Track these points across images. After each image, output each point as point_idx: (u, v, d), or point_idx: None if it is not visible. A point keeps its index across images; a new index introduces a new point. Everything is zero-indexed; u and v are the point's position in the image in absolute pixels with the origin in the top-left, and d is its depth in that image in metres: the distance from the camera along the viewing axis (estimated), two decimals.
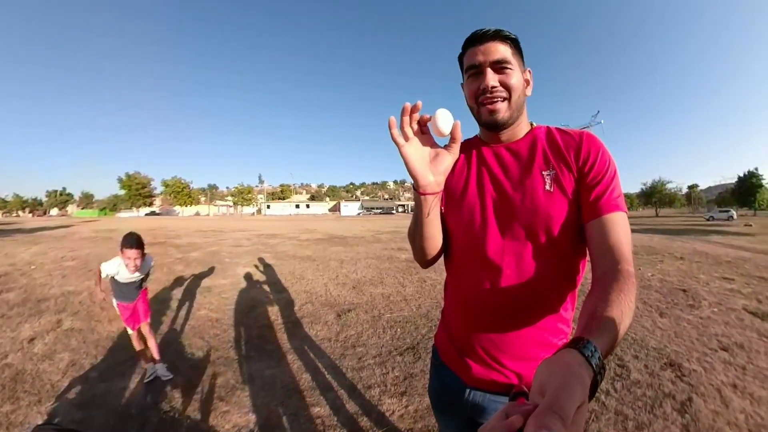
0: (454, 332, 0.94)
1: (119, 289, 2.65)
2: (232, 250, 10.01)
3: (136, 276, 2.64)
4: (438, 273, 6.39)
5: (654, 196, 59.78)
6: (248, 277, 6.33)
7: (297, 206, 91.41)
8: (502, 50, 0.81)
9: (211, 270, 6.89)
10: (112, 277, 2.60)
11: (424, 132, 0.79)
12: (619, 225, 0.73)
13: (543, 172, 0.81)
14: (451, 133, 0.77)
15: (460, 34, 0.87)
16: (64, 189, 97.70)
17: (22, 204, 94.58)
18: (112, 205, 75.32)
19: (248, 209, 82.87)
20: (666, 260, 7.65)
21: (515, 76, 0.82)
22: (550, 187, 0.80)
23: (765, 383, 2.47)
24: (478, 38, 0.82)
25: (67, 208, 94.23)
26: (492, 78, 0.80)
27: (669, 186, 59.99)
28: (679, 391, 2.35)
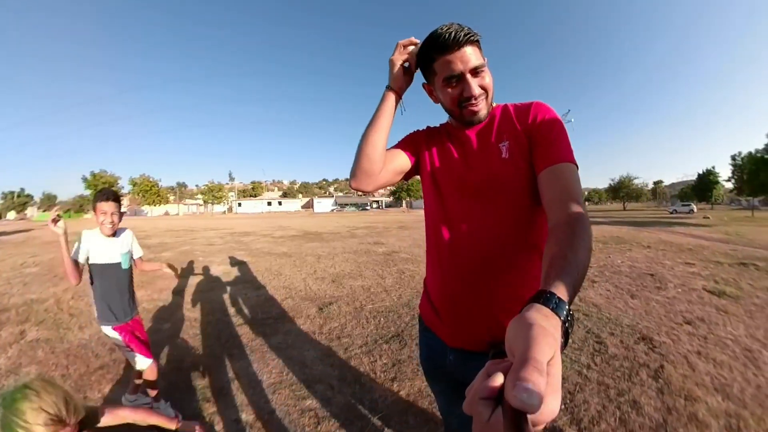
0: (433, 297, 1.00)
1: (101, 285, 2.00)
2: (205, 249, 9.71)
3: (116, 248, 2.02)
4: (416, 264, 6.49)
5: (622, 190, 63.71)
6: (224, 275, 6.13)
7: (269, 203, 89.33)
8: (476, 54, 0.85)
9: (185, 270, 6.60)
10: (90, 269, 1.99)
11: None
12: (568, 173, 0.77)
13: (499, 144, 0.89)
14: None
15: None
16: (23, 190, 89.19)
17: None
18: (78, 206, 70.08)
19: (219, 207, 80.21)
20: (634, 249, 8.30)
21: (488, 76, 0.88)
22: (506, 154, 0.87)
23: (724, 349, 2.74)
24: (451, 44, 0.82)
25: (27, 211, 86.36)
26: (475, 86, 0.85)
27: (636, 181, 64.29)
28: (652, 361, 2.55)
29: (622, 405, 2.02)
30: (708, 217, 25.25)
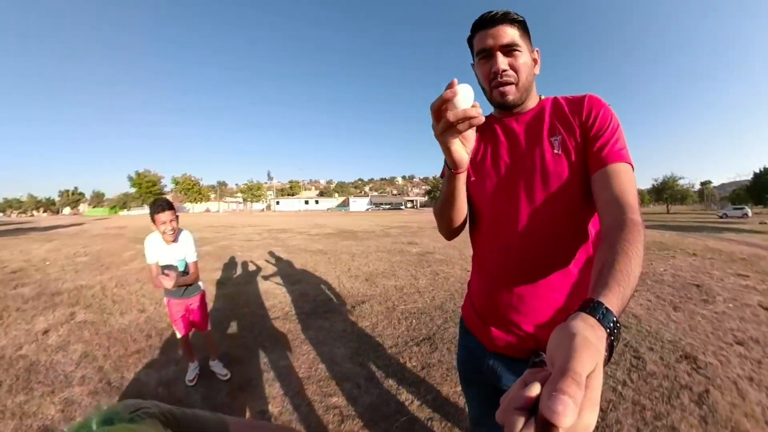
0: (476, 299, 1.00)
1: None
2: (244, 245, 10.18)
3: (174, 254, 2.34)
4: (450, 266, 6.43)
5: (665, 192, 58.17)
6: (261, 269, 6.45)
7: (306, 202, 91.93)
8: (510, 33, 0.84)
9: (223, 263, 7.03)
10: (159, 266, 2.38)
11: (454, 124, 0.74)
12: (623, 174, 0.75)
13: (551, 138, 0.86)
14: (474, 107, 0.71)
15: (470, 20, 0.89)
16: (76, 188, 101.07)
17: (37, 204, 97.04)
18: (123, 203, 76.47)
19: (258, 205, 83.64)
20: (678, 256, 7.60)
21: (523, 58, 0.86)
22: (558, 150, 0.84)
23: None
24: (487, 22, 0.85)
25: (79, 207, 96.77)
26: (502, 62, 0.84)
27: (681, 182, 58.33)
28: (695, 383, 2.36)
29: (659, 430, 1.91)
30: (766, 223, 21.84)
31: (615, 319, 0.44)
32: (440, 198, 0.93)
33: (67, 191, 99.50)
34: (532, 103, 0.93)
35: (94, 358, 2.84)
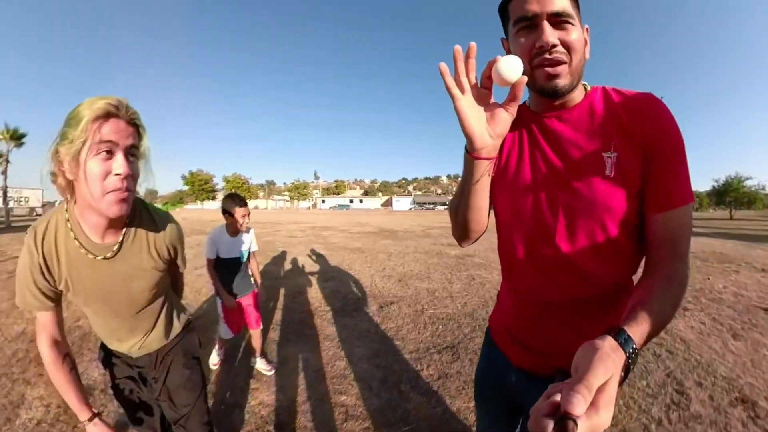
0: (506, 314, 0.93)
1: (224, 272, 2.45)
2: (286, 241, 10.61)
3: (238, 246, 2.45)
4: (488, 271, 6.15)
5: (728, 195, 49.15)
6: (298, 265, 6.63)
7: (350, 201, 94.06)
8: (561, 1, 0.67)
9: (264, 258, 7.33)
10: (216, 261, 2.44)
11: (482, 85, 0.68)
12: (684, 218, 0.67)
13: (604, 154, 0.69)
14: (514, 88, 0.65)
15: None
16: None
17: None
18: (178, 200, 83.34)
19: (304, 203, 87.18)
20: (743, 271, 6.27)
21: (576, 33, 0.68)
22: (611, 171, 0.68)
23: None
24: None
25: None
26: (551, 34, 0.67)
27: (748, 183, 49.18)
28: None
29: None
30: None
31: (634, 347, 0.50)
32: (456, 190, 0.82)
33: None
34: (578, 95, 0.75)
35: None
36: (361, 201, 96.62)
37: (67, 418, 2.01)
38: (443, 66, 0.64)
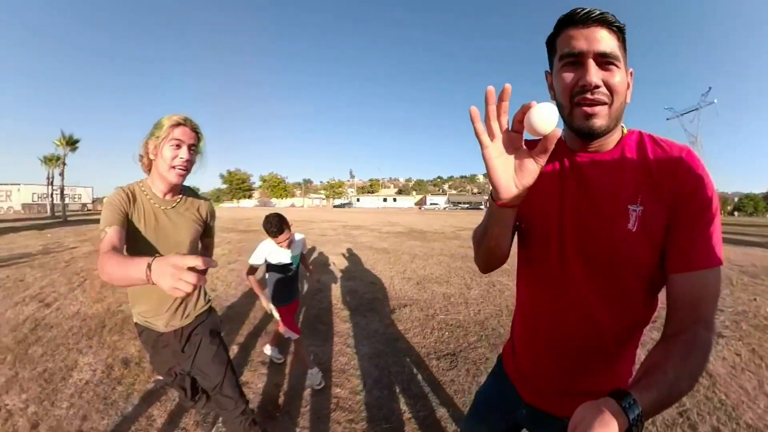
0: (518, 352, 0.93)
1: (275, 279, 2.47)
2: (317, 239, 10.92)
3: (289, 254, 2.45)
4: (511, 278, 6.01)
5: None
6: (324, 263, 6.89)
7: (384, 200, 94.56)
8: (609, 40, 0.67)
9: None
10: (268, 267, 2.48)
11: (513, 128, 0.63)
12: (708, 281, 0.64)
13: (629, 206, 0.69)
14: (545, 140, 0.61)
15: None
16: None
17: None
18: (215, 198, 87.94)
19: (339, 202, 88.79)
20: None
21: (620, 76, 0.68)
22: (633, 225, 0.69)
23: None
24: (580, 19, 0.67)
25: None
26: (596, 74, 0.66)
27: None
28: None
29: None
30: None
31: (639, 413, 0.47)
32: (480, 225, 0.83)
33: None
34: (614, 137, 0.74)
35: None
36: (394, 200, 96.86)
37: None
38: (474, 111, 0.61)
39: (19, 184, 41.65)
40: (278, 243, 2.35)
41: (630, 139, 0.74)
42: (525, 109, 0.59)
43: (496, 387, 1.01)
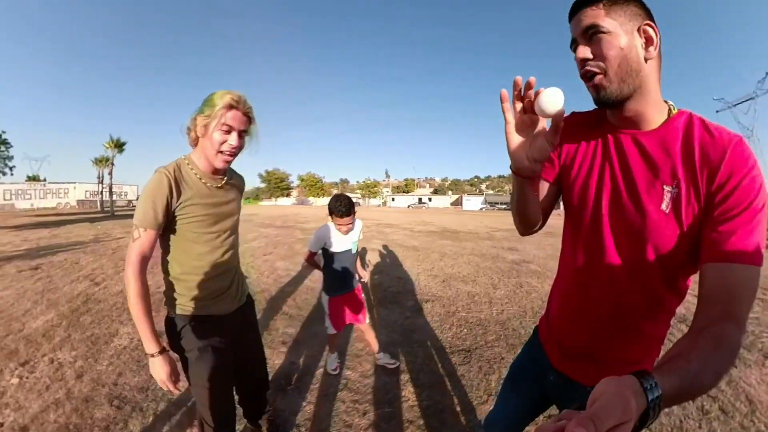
0: (552, 321, 0.98)
1: (333, 266, 2.35)
2: None
3: (348, 239, 2.32)
4: (541, 280, 5.82)
5: None
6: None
7: (420, 200, 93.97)
8: (590, 15, 0.70)
9: None
10: (324, 253, 2.35)
11: (529, 111, 0.70)
12: (744, 280, 0.61)
13: (665, 187, 0.69)
14: (553, 120, 0.66)
15: None
16: None
17: None
18: (255, 196, 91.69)
19: (375, 201, 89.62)
20: None
21: (608, 41, 0.69)
22: (667, 207, 0.69)
23: None
24: (572, 9, 0.74)
25: None
26: (582, 51, 0.72)
27: None
28: None
29: None
30: None
31: (659, 395, 0.46)
32: (512, 193, 0.89)
33: None
34: (655, 112, 0.73)
35: None
36: (429, 200, 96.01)
37: (142, 348, 2.83)
38: (504, 92, 0.70)
39: (75, 183, 46.83)
40: (341, 225, 2.18)
41: (678, 120, 0.72)
42: (535, 94, 0.65)
43: (529, 354, 1.05)
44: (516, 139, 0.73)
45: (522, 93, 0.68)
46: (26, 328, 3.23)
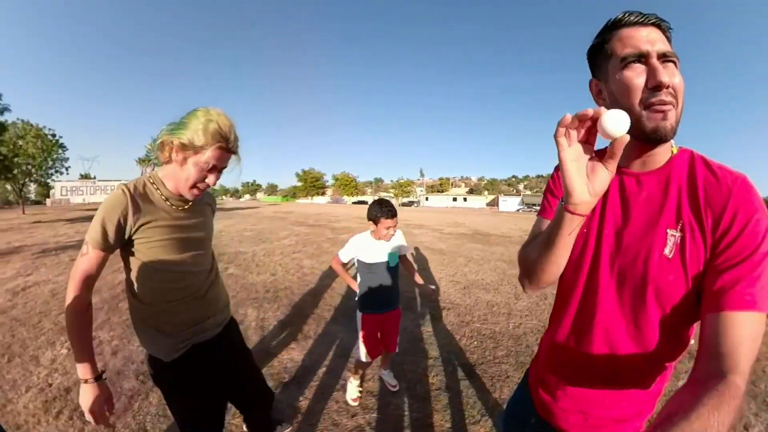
0: (540, 361, 0.95)
1: (366, 279, 2.12)
2: None
3: (385, 249, 2.11)
4: None
5: None
6: None
7: (454, 199, 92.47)
8: (660, 39, 0.66)
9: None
10: (359, 264, 2.15)
11: (588, 141, 0.65)
12: (746, 328, 0.57)
13: (668, 230, 0.67)
14: (614, 144, 0.60)
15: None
16: (254, 181, 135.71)
17: (224, 191, 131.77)
18: (292, 194, 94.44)
19: (407, 200, 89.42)
20: None
21: (680, 77, 0.66)
22: (671, 252, 0.66)
23: None
24: (637, 20, 0.67)
25: (257, 195, 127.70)
26: (665, 73, 0.64)
27: None
28: None
29: None
30: None
31: None
32: (540, 238, 0.78)
33: (248, 183, 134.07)
34: (663, 155, 0.71)
35: (232, 298, 4.17)
36: (465, 200, 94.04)
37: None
38: (567, 117, 0.62)
39: (120, 180, 52.39)
40: (389, 227, 2.05)
41: (680, 159, 0.70)
42: (597, 114, 0.59)
43: (518, 398, 1.02)
44: (574, 168, 0.64)
45: (578, 123, 0.62)
46: None
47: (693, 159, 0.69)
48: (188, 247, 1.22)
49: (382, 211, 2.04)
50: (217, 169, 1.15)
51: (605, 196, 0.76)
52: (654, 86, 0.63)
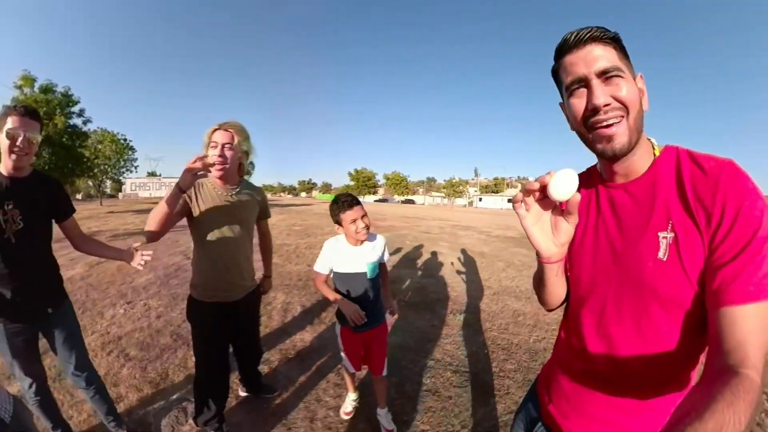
0: (548, 369, 0.96)
1: (342, 292, 1.86)
2: (418, 236, 11.07)
3: (362, 257, 1.83)
4: None
5: None
6: (412, 258, 7.11)
7: (509, 200, 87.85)
8: (606, 55, 0.66)
9: (389, 248, 8.09)
10: (334, 275, 1.89)
11: (546, 196, 0.68)
12: (754, 319, 0.55)
13: (659, 234, 0.65)
14: (567, 204, 0.66)
15: None
16: (310, 179, 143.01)
17: (283, 189, 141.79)
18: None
19: (460, 201, 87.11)
20: None
21: (627, 86, 0.66)
22: (664, 254, 0.64)
23: None
24: (573, 43, 0.68)
25: (312, 192, 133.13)
26: (602, 94, 0.65)
27: None
28: None
29: None
30: None
31: None
32: (535, 275, 0.87)
33: (304, 181, 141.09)
34: (643, 159, 0.71)
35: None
36: None
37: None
38: (518, 195, 0.71)
39: (177, 177, 60.86)
40: (350, 226, 1.76)
41: (664, 159, 0.70)
42: (543, 182, 0.65)
43: (526, 407, 1.02)
44: (538, 230, 0.73)
45: (530, 190, 0.69)
46: (134, 282, 4.85)
47: (678, 156, 0.68)
48: (231, 221, 1.75)
49: (339, 205, 1.77)
50: (219, 143, 1.65)
51: (598, 212, 0.78)
52: (593, 109, 0.66)
